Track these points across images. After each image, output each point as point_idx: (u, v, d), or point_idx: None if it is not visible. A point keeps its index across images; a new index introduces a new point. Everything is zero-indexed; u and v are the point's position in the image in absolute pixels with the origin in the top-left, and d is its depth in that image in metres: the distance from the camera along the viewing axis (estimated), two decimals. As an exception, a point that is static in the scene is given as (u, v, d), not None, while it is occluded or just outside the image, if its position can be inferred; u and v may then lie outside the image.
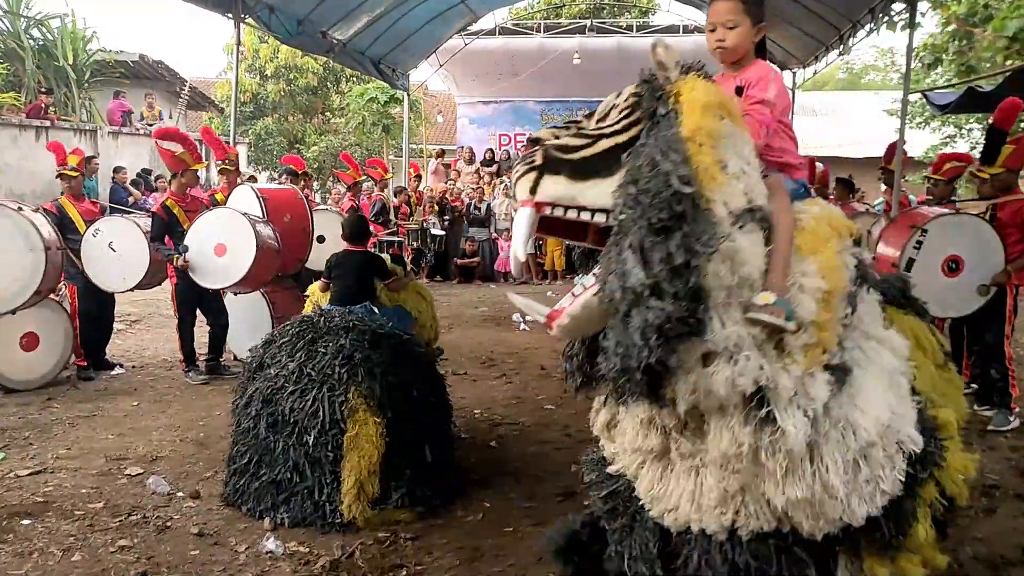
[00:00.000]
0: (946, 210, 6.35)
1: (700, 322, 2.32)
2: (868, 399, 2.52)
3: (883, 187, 14.47)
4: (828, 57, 12.39)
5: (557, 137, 2.59)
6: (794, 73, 14.38)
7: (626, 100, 2.60)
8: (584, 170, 2.50)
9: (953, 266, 5.96)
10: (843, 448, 2.45)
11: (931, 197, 7.71)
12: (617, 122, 2.57)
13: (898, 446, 2.54)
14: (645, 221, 2.34)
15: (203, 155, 7.93)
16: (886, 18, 9.49)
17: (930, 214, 6.25)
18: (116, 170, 14.75)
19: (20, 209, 6.59)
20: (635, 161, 2.43)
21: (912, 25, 7.95)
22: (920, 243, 5.96)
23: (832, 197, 10.61)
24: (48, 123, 13.93)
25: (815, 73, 13.92)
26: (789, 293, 2.49)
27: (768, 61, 2.95)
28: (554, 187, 2.47)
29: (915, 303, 3.31)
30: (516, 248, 2.56)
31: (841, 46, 11.33)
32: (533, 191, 2.46)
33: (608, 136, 2.54)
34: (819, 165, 11.75)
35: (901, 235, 6.16)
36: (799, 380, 2.45)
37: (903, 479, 2.53)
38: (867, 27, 9.95)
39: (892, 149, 8.39)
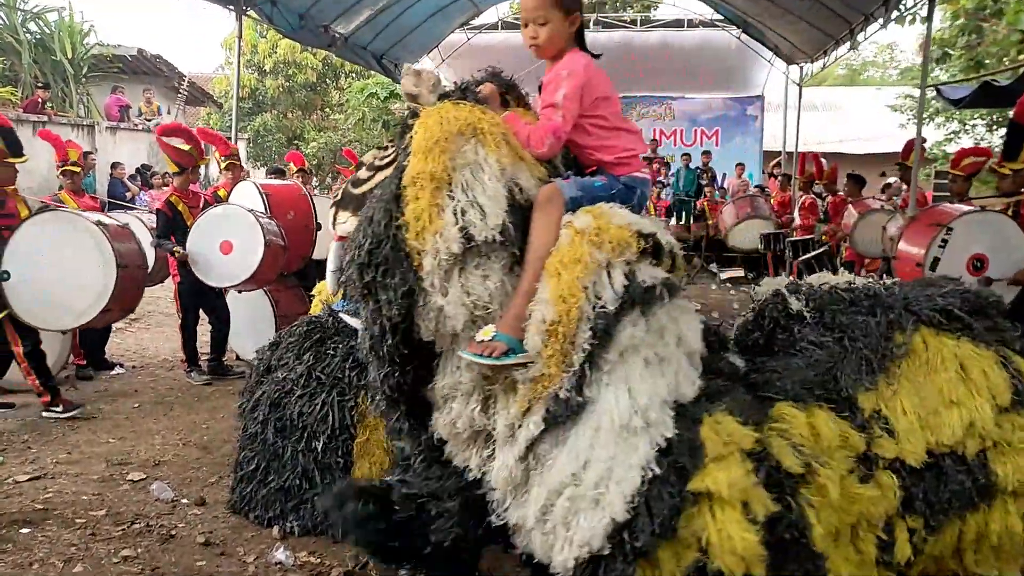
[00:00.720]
0: (971, 208, 6.20)
1: (417, 377, 2.53)
2: (576, 440, 2.37)
3: (889, 182, 14.37)
4: (837, 51, 12.21)
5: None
6: (801, 67, 14.22)
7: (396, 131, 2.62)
8: (364, 205, 2.56)
9: (978, 265, 5.81)
10: (541, 487, 2.38)
11: (948, 193, 7.58)
12: (390, 154, 2.65)
13: (595, 501, 2.30)
14: (358, 275, 2.48)
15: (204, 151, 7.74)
16: (898, 12, 9.33)
17: (954, 212, 6.10)
18: (114, 165, 14.58)
19: (100, 223, 6.22)
20: (368, 206, 2.53)
21: (930, 17, 7.78)
22: (945, 242, 5.82)
23: (843, 193, 10.48)
24: (45, 118, 13.75)
25: (824, 67, 13.75)
26: (526, 323, 2.41)
27: (582, 52, 2.79)
28: (345, 223, 2.57)
29: (976, 326, 2.71)
30: (329, 282, 2.77)
31: (851, 40, 11.15)
32: (333, 225, 2.61)
33: (382, 169, 2.63)
34: (823, 161, 11.64)
35: (925, 234, 6.02)
36: (515, 419, 2.42)
37: (609, 537, 2.28)
38: (879, 20, 9.76)
39: (910, 145, 8.23)
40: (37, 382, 6.06)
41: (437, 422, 2.55)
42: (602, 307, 2.39)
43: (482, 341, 2.42)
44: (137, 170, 15.31)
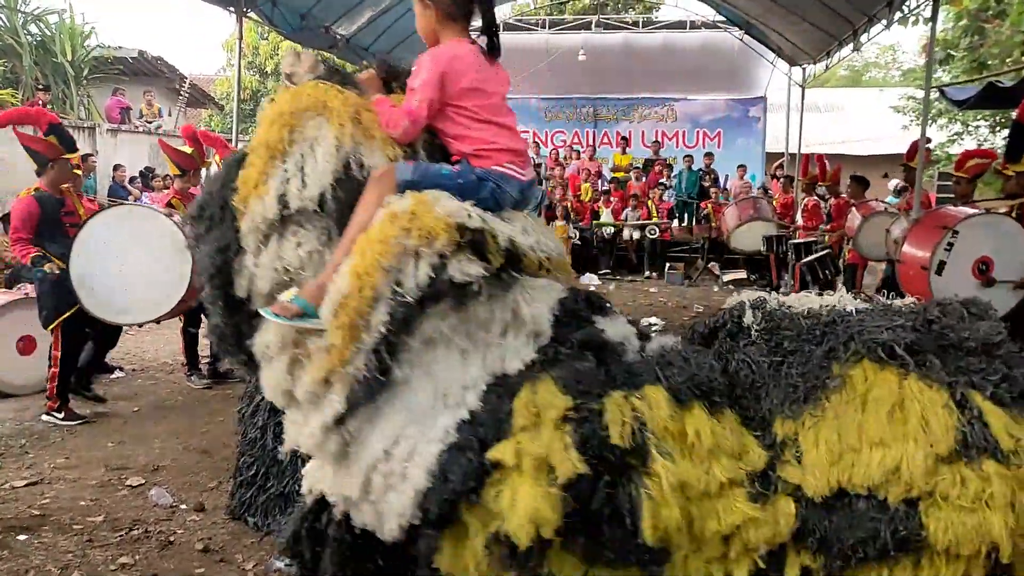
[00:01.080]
0: (976, 210, 6.16)
1: (239, 330, 2.69)
2: (384, 420, 2.47)
3: (894, 183, 14.32)
4: (840, 53, 12.16)
5: None
6: (804, 69, 14.17)
7: None
8: None
9: (983, 268, 5.77)
10: (359, 463, 2.47)
11: (952, 195, 7.53)
12: None
13: (402, 475, 2.40)
14: (189, 226, 2.84)
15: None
16: (901, 13, 9.28)
17: (959, 215, 6.05)
18: (115, 168, 14.53)
19: (170, 215, 6.19)
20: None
21: (935, 19, 7.73)
22: (951, 245, 5.77)
23: (846, 195, 10.43)
24: (46, 120, 13.72)
25: (826, 69, 13.70)
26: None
27: (463, 41, 2.77)
28: None
29: (932, 362, 2.44)
30: None
31: (854, 41, 11.10)
32: None
33: None
34: (826, 162, 11.58)
35: (930, 237, 5.97)
36: (313, 386, 2.50)
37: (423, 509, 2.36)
38: (883, 21, 9.71)
39: (915, 147, 8.18)
40: (54, 386, 6.03)
41: (261, 380, 2.68)
42: (401, 294, 2.44)
43: (282, 302, 2.54)
44: (140, 172, 15.27)
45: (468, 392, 2.47)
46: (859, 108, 27.05)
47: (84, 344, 6.35)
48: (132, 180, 14.87)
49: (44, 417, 6.06)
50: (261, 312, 2.56)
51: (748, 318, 2.69)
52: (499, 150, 2.75)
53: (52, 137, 6.14)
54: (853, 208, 9.60)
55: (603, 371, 2.53)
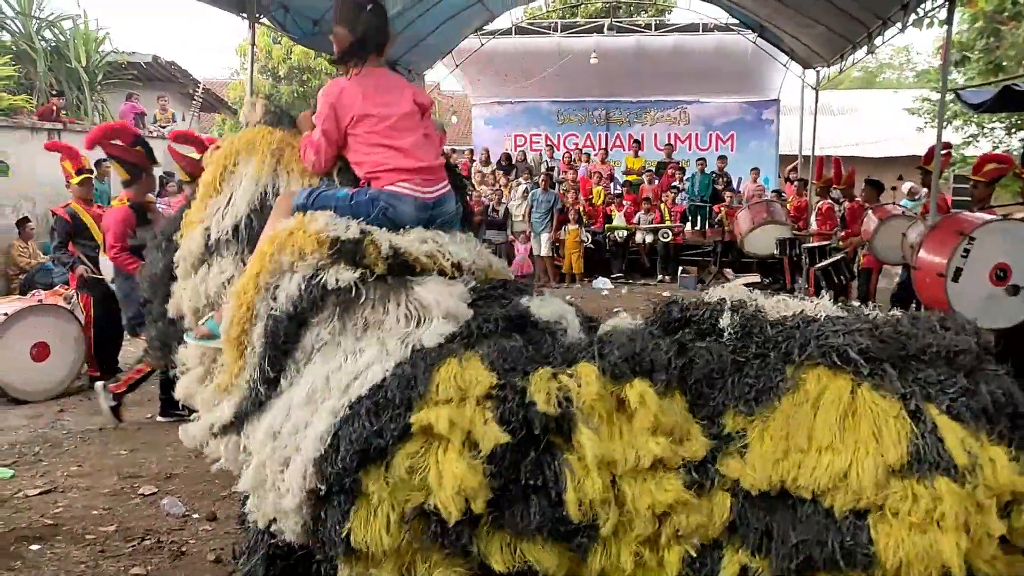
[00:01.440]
0: (993, 216, 6.09)
1: (168, 342, 3.21)
2: (269, 413, 2.68)
3: (908, 186, 14.22)
4: (855, 55, 12.06)
5: None
6: (817, 72, 14.07)
7: None
8: None
9: (1001, 274, 5.70)
10: (254, 455, 2.68)
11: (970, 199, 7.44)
12: None
13: (295, 447, 2.56)
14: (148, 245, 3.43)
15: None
16: (916, 15, 9.19)
17: (976, 220, 5.98)
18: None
19: None
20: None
21: (950, 21, 7.65)
22: (968, 251, 5.70)
23: (860, 199, 10.34)
24: (60, 126, 13.74)
25: (840, 71, 13.60)
26: None
27: (359, 72, 3.06)
28: None
29: (888, 372, 2.38)
30: None
31: (868, 44, 11.01)
32: None
33: None
34: (841, 165, 11.48)
35: (947, 243, 5.90)
36: (215, 396, 2.87)
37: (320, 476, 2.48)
38: (898, 24, 9.62)
39: (933, 151, 8.09)
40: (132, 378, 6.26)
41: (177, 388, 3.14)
42: (274, 309, 2.71)
43: (199, 325, 2.99)
44: (159, 177, 15.29)
45: (367, 371, 2.59)
46: (873, 110, 26.91)
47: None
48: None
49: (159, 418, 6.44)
50: (184, 335, 3.08)
51: (724, 319, 2.66)
52: (390, 171, 2.92)
53: (139, 148, 6.44)
54: (869, 212, 9.51)
55: (532, 349, 2.61)
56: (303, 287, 2.69)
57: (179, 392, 3.07)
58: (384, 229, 2.84)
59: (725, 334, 2.60)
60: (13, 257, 11.90)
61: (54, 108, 14.32)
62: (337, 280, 2.67)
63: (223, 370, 2.87)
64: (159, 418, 6.52)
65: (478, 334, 2.64)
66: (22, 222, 12.04)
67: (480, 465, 2.35)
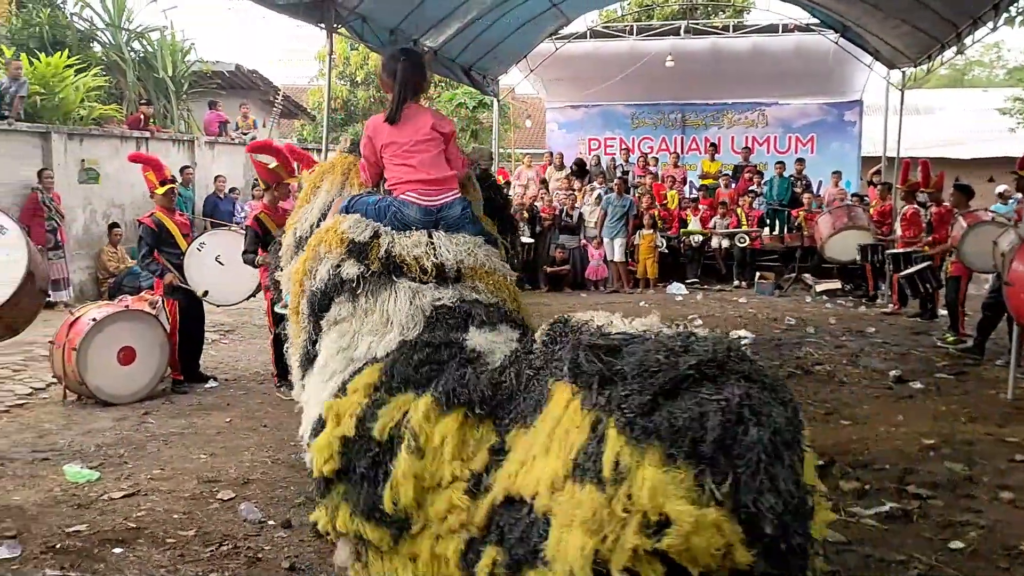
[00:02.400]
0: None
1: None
2: (312, 377, 3.49)
3: (1001, 188, 13.67)
4: (943, 55, 11.65)
5: None
6: (903, 72, 13.64)
7: None
8: None
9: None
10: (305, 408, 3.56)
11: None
12: None
13: (315, 407, 3.38)
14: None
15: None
16: (1008, 14, 8.84)
17: (1075, 229, 5.69)
18: (216, 178, 14.98)
19: None
20: None
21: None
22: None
23: (949, 204, 9.97)
24: (148, 134, 14.22)
25: (928, 72, 13.16)
26: None
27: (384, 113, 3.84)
28: None
29: (593, 386, 2.41)
30: None
31: (957, 43, 10.63)
32: None
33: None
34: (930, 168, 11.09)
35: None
36: (296, 353, 3.74)
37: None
38: (989, 24, 9.26)
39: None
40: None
41: None
42: (312, 286, 3.54)
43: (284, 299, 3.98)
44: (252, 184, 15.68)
45: (350, 362, 3.32)
46: (961, 110, 26.01)
47: None
48: (232, 190, 15.31)
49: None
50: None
51: (540, 333, 2.92)
52: (403, 183, 3.65)
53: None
54: (960, 218, 9.16)
55: (429, 370, 3.08)
56: (329, 273, 3.47)
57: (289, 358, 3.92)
58: (392, 229, 3.58)
59: (534, 355, 2.88)
60: (103, 262, 12.34)
61: (142, 117, 14.80)
62: (347, 272, 3.45)
63: (292, 333, 3.78)
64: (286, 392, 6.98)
65: (404, 353, 3.19)
66: (111, 228, 12.48)
67: (334, 441, 3.05)
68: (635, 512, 2.17)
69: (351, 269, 3.43)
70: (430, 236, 3.58)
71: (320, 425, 3.17)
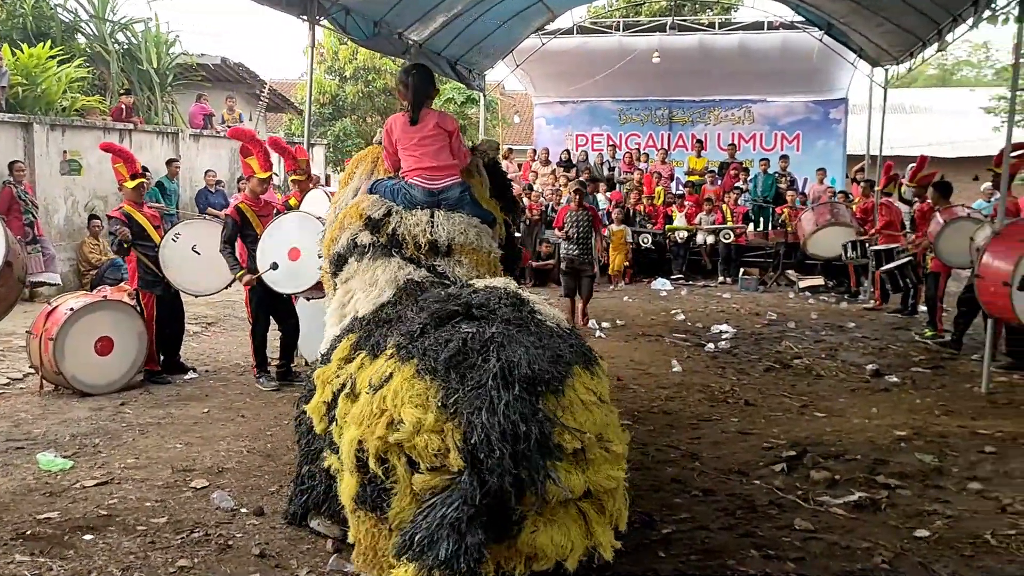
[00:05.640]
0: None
1: None
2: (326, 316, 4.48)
3: (986, 187, 13.76)
4: (924, 53, 11.70)
5: None
6: (886, 70, 13.69)
7: None
8: None
9: (1070, 281, 5.46)
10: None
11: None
12: None
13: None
14: None
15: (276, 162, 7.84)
16: (990, 11, 8.86)
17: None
18: (207, 172, 14.89)
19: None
20: None
21: (1023, 17, 7.36)
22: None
23: (928, 201, 10.04)
24: (132, 126, 14.13)
25: (910, 70, 13.21)
26: None
27: (402, 112, 4.66)
28: None
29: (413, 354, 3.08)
30: None
31: (939, 41, 10.68)
32: None
33: None
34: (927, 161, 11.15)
35: (1012, 250, 5.68)
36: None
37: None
38: (969, 21, 9.30)
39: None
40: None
41: None
42: (338, 247, 4.38)
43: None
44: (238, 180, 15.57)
45: (344, 320, 4.14)
46: (947, 109, 26.16)
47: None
48: (218, 183, 15.20)
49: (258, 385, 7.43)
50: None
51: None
52: (411, 170, 4.45)
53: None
54: (937, 213, 9.22)
55: (379, 336, 3.53)
56: (348, 240, 4.32)
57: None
58: (403, 207, 4.38)
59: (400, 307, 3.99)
60: (84, 254, 12.29)
61: (123, 107, 14.71)
62: (361, 240, 4.30)
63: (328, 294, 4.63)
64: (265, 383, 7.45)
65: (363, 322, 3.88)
66: (91, 219, 12.41)
67: (320, 405, 3.71)
68: (386, 412, 2.75)
69: (365, 238, 4.26)
70: (432, 215, 4.33)
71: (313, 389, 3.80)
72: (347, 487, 3.01)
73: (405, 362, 2.86)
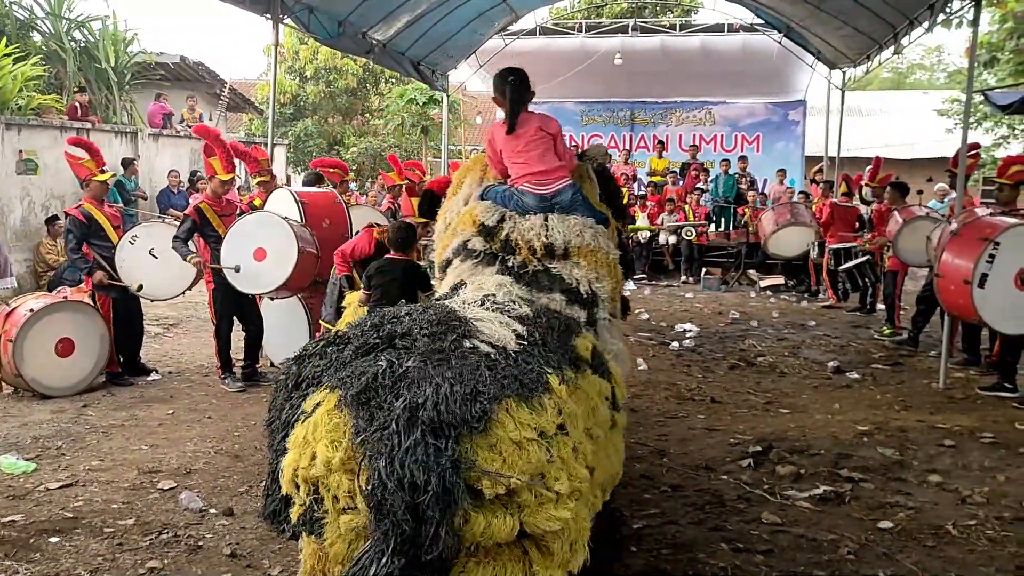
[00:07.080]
0: (1016, 219, 6.00)
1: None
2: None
3: (939, 187, 14.06)
4: (881, 56, 11.94)
5: None
6: (843, 72, 13.94)
7: None
8: None
9: (1027, 278, 5.61)
10: None
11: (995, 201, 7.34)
12: None
13: None
14: None
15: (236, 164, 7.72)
16: (944, 15, 9.07)
17: (1001, 224, 5.90)
18: (170, 173, 14.70)
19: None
20: None
21: (976, 22, 7.55)
22: (993, 256, 5.62)
23: (886, 201, 10.24)
24: (89, 125, 13.90)
25: (867, 72, 13.47)
26: None
27: (500, 123, 4.50)
28: None
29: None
30: None
31: (895, 44, 10.90)
32: None
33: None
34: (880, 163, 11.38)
35: (971, 248, 5.82)
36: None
37: None
38: (924, 24, 9.51)
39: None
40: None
41: None
42: (445, 256, 4.32)
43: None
44: (189, 178, 15.40)
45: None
46: (902, 111, 26.67)
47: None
48: (182, 184, 15.03)
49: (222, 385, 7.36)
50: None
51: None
52: (520, 176, 4.30)
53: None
54: (895, 213, 9.42)
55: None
56: (460, 243, 4.22)
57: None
58: (516, 213, 4.24)
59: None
60: (42, 255, 12.07)
61: (78, 105, 14.47)
62: (473, 245, 4.18)
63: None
64: (230, 384, 7.40)
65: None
66: (51, 220, 12.20)
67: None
68: (309, 445, 2.57)
69: (478, 244, 4.18)
70: (546, 219, 4.19)
71: None
72: (296, 507, 2.78)
73: (332, 391, 2.66)
